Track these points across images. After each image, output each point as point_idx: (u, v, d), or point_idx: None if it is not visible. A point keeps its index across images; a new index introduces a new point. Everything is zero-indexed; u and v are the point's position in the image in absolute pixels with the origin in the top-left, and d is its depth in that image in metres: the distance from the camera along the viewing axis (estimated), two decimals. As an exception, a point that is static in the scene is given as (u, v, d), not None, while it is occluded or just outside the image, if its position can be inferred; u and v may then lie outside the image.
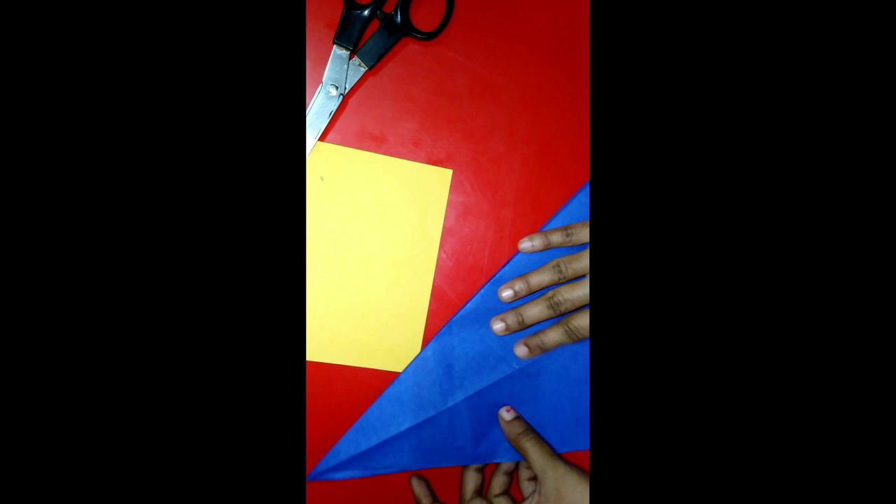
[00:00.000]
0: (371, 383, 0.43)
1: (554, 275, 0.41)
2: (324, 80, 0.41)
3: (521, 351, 0.42)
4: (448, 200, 0.43)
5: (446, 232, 0.43)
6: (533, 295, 0.42)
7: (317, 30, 0.42)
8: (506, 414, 0.42)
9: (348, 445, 0.42)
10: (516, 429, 0.41)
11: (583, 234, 0.41)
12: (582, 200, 0.43)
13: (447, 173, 0.43)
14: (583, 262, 0.40)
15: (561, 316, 0.41)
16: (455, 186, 0.43)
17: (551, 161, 0.44)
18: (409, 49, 0.43)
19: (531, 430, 0.41)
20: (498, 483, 0.43)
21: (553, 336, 0.41)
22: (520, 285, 0.42)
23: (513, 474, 0.44)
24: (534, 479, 0.43)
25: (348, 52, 0.41)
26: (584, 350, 0.43)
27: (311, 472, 0.42)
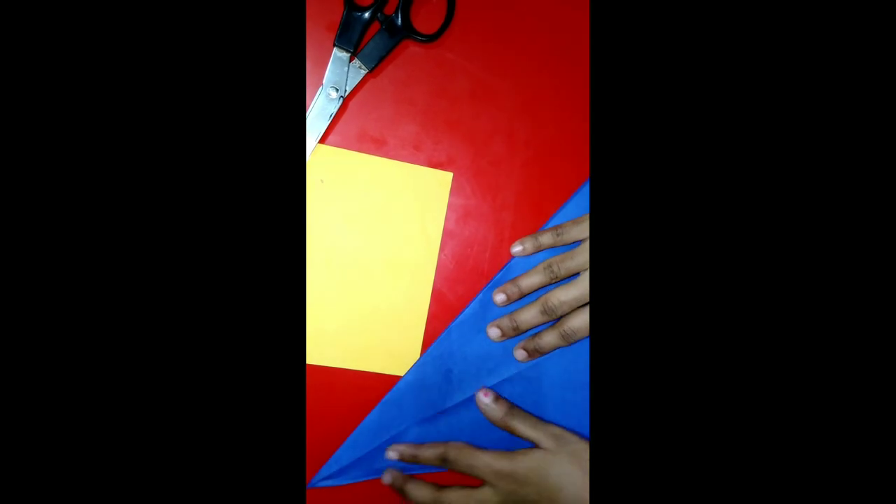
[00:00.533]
0: (371, 386, 0.42)
1: (545, 276, 0.41)
2: (324, 82, 0.41)
3: (519, 354, 0.42)
4: (448, 203, 0.43)
5: (447, 235, 0.43)
6: (531, 297, 0.42)
7: (317, 32, 0.42)
8: (483, 398, 0.41)
9: (349, 451, 0.42)
10: (499, 412, 0.41)
11: (574, 232, 0.41)
12: (578, 202, 0.43)
13: (447, 176, 0.43)
14: (576, 259, 0.40)
15: (558, 318, 0.41)
16: (455, 189, 0.43)
17: (551, 164, 0.44)
18: (410, 51, 0.43)
19: (513, 407, 0.41)
20: None
21: (548, 339, 0.41)
22: (511, 289, 0.41)
23: None
24: None
25: (349, 55, 0.41)
26: (586, 354, 0.42)
27: (313, 479, 0.42)
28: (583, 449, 0.39)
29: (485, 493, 0.39)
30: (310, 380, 0.42)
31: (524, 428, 0.40)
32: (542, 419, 0.41)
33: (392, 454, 0.41)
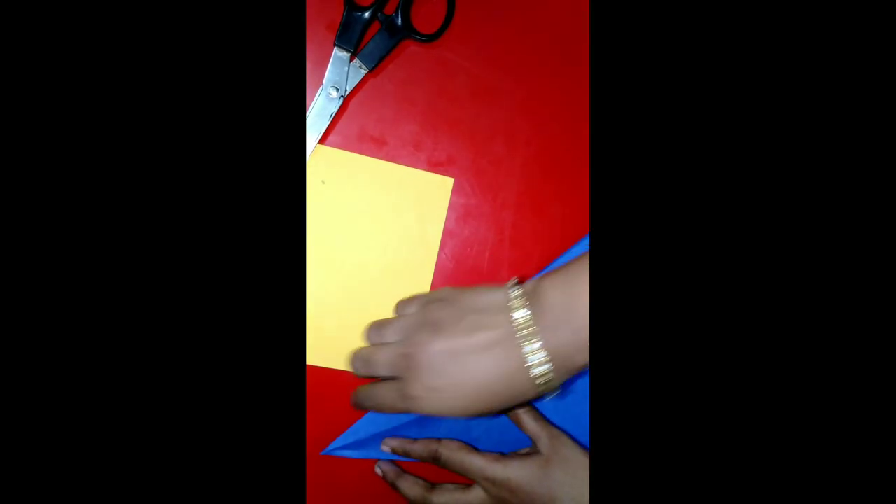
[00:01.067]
0: (371, 386, 0.43)
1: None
2: (324, 82, 0.41)
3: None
4: (449, 203, 0.43)
5: (446, 235, 0.43)
6: None
7: (318, 32, 0.42)
8: None
9: (367, 425, 0.42)
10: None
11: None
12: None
13: (448, 182, 0.43)
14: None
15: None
16: (455, 189, 0.43)
17: (551, 163, 0.44)
18: (410, 51, 0.43)
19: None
20: None
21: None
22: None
23: None
24: None
25: (349, 54, 0.41)
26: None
27: (329, 447, 0.42)
28: (576, 455, 0.39)
29: (476, 495, 0.39)
30: (309, 380, 0.42)
31: (527, 419, 0.40)
32: (547, 418, 0.41)
33: (385, 448, 0.41)
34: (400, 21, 0.42)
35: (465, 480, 0.41)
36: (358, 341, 0.42)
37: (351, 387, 0.42)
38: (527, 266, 0.44)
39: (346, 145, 0.42)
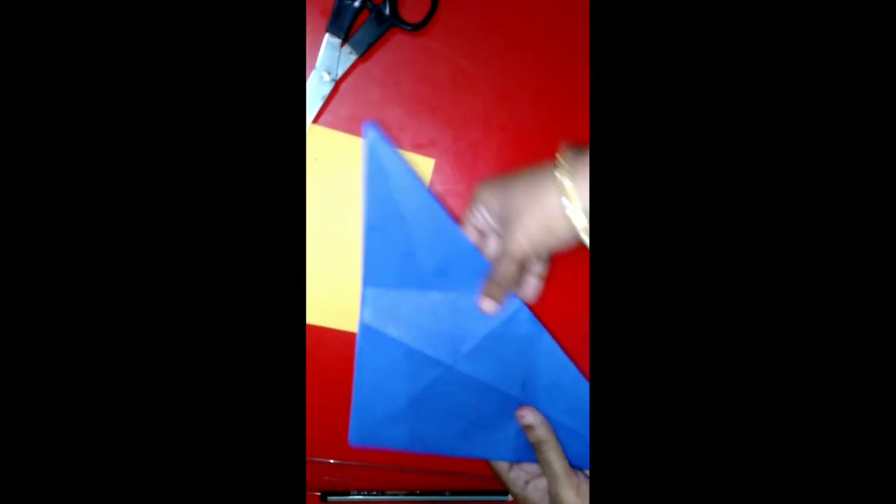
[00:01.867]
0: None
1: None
2: (317, 65, 0.44)
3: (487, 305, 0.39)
4: (430, 181, 0.47)
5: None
6: None
7: (311, 18, 0.45)
8: (528, 416, 0.42)
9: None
10: (536, 436, 0.41)
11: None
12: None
13: (430, 162, 0.47)
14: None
15: None
16: (436, 169, 0.47)
17: (523, 147, 0.48)
18: (397, 39, 0.46)
19: (555, 437, 0.41)
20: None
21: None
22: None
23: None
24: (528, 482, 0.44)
25: (340, 41, 0.44)
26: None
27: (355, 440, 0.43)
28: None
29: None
30: (308, 339, 0.45)
31: (557, 466, 0.40)
32: (571, 465, 0.41)
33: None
34: (387, 11, 0.45)
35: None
36: (347, 300, 0.46)
37: (343, 345, 0.47)
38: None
39: (337, 126, 0.46)
